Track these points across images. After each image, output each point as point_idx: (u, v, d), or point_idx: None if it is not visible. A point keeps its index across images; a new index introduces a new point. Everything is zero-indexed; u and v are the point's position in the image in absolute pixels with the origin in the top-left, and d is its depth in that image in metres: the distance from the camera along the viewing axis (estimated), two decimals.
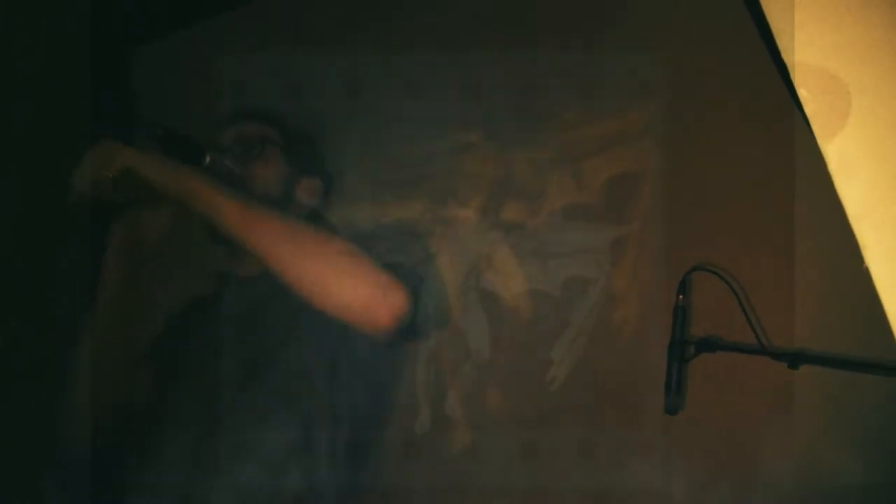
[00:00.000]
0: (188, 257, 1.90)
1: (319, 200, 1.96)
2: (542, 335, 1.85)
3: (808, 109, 1.32)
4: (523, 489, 1.81)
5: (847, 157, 1.29)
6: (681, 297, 1.61)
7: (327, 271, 1.52)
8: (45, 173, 1.97)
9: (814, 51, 1.33)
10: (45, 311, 1.90)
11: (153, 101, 2.22)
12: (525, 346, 1.87)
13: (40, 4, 2.04)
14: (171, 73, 2.24)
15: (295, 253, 1.52)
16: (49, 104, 2.05)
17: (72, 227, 1.89)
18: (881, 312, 1.53)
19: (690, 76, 1.81)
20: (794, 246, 1.68)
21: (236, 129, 1.87)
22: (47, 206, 1.95)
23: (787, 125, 1.66)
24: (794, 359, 1.51)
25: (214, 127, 1.89)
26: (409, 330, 1.60)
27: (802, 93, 1.33)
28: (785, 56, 1.36)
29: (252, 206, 1.56)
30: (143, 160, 1.59)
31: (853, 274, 1.58)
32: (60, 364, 1.75)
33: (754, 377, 1.66)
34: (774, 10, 1.38)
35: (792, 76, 1.35)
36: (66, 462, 1.72)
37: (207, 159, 1.69)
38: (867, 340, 1.55)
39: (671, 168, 1.80)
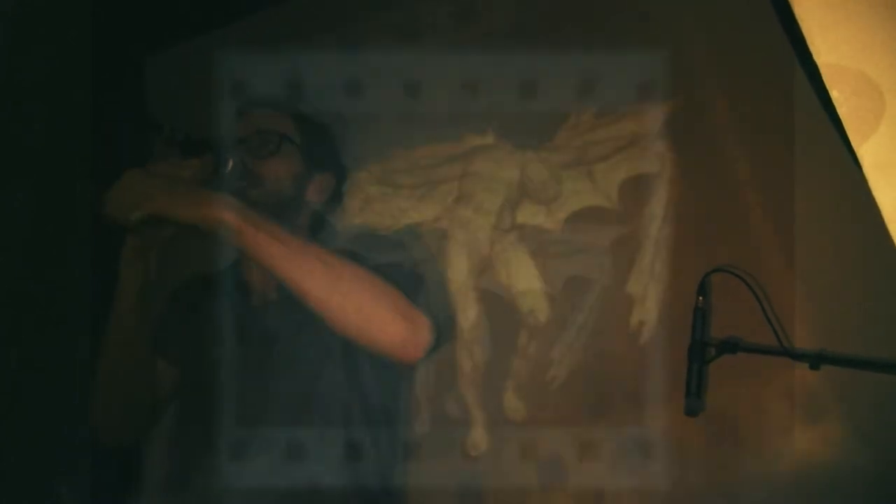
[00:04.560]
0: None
1: (329, 196, 1.94)
2: (556, 337, 1.84)
3: (842, 111, 1.32)
4: (523, 489, 1.80)
5: (882, 159, 1.29)
6: (701, 298, 1.61)
7: (364, 310, 1.54)
8: (51, 180, 1.93)
9: (844, 52, 1.34)
10: (50, 316, 1.85)
11: (164, 105, 2.18)
12: (538, 347, 1.86)
13: (41, 12, 2.00)
14: (180, 76, 2.20)
15: (332, 291, 1.53)
16: (53, 113, 2.00)
17: (78, 234, 1.85)
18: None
19: (702, 76, 1.82)
20: (794, 245, 1.70)
21: (253, 121, 1.84)
22: (53, 213, 1.91)
23: (799, 124, 1.68)
24: (816, 359, 1.51)
25: (232, 117, 1.87)
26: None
27: (835, 94, 1.33)
28: (815, 58, 1.36)
29: (289, 240, 1.56)
30: (169, 199, 1.56)
31: (870, 273, 1.61)
32: (70, 370, 1.71)
33: (769, 378, 1.67)
34: (804, 12, 1.39)
35: (823, 78, 1.36)
36: (76, 464, 1.69)
37: (230, 164, 1.65)
38: (883, 340, 1.58)
39: (686, 169, 1.81)
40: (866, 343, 1.57)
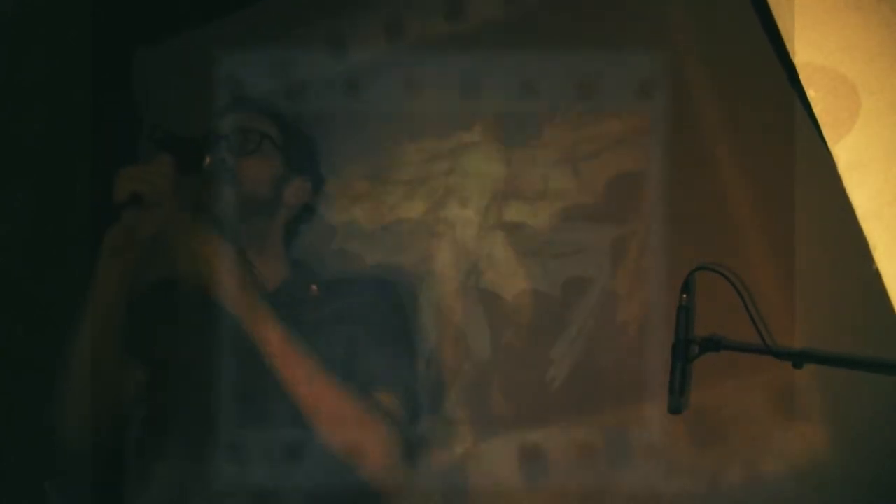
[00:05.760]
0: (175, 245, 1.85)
1: (306, 201, 1.94)
2: (542, 335, 1.84)
3: (817, 110, 1.32)
4: (523, 489, 1.80)
5: (856, 158, 1.28)
6: (684, 296, 1.60)
7: (337, 424, 1.62)
8: (50, 179, 1.95)
9: (821, 51, 1.33)
10: (50, 316, 1.88)
11: (154, 102, 2.19)
12: (525, 345, 1.86)
13: (41, 12, 2.03)
14: (172, 74, 2.21)
15: (314, 400, 1.61)
16: (53, 113, 2.03)
17: (77, 232, 1.88)
18: (885, 311, 1.54)
19: (692, 76, 1.81)
20: (794, 245, 1.68)
21: (236, 119, 1.84)
22: (53, 213, 1.94)
23: (789, 124, 1.67)
24: (799, 358, 1.51)
25: (215, 114, 1.88)
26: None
27: (811, 93, 1.33)
28: (792, 57, 1.36)
29: (291, 341, 1.63)
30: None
31: (854, 273, 1.59)
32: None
33: (755, 376, 1.66)
34: (781, 11, 1.38)
35: (799, 77, 1.35)
36: (67, 464, 1.71)
37: (207, 161, 1.66)
38: (868, 339, 1.57)
39: (673, 167, 1.80)
40: (865, 343, 1.55)
